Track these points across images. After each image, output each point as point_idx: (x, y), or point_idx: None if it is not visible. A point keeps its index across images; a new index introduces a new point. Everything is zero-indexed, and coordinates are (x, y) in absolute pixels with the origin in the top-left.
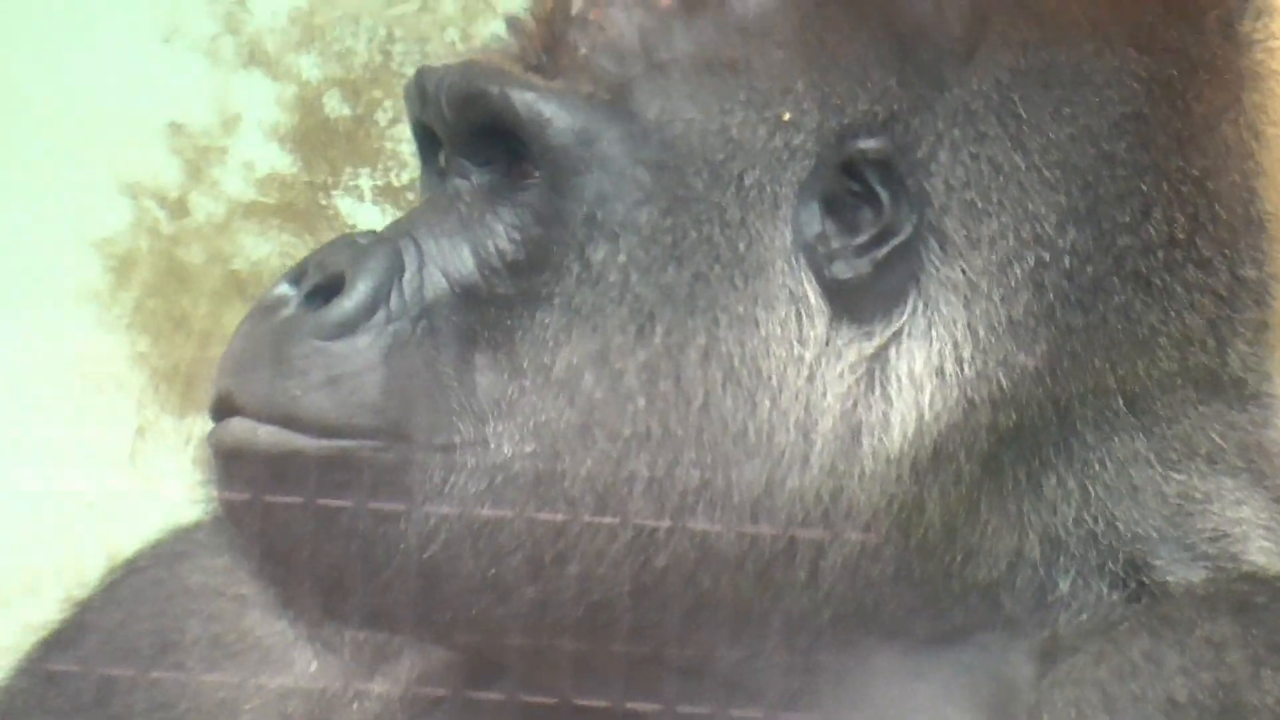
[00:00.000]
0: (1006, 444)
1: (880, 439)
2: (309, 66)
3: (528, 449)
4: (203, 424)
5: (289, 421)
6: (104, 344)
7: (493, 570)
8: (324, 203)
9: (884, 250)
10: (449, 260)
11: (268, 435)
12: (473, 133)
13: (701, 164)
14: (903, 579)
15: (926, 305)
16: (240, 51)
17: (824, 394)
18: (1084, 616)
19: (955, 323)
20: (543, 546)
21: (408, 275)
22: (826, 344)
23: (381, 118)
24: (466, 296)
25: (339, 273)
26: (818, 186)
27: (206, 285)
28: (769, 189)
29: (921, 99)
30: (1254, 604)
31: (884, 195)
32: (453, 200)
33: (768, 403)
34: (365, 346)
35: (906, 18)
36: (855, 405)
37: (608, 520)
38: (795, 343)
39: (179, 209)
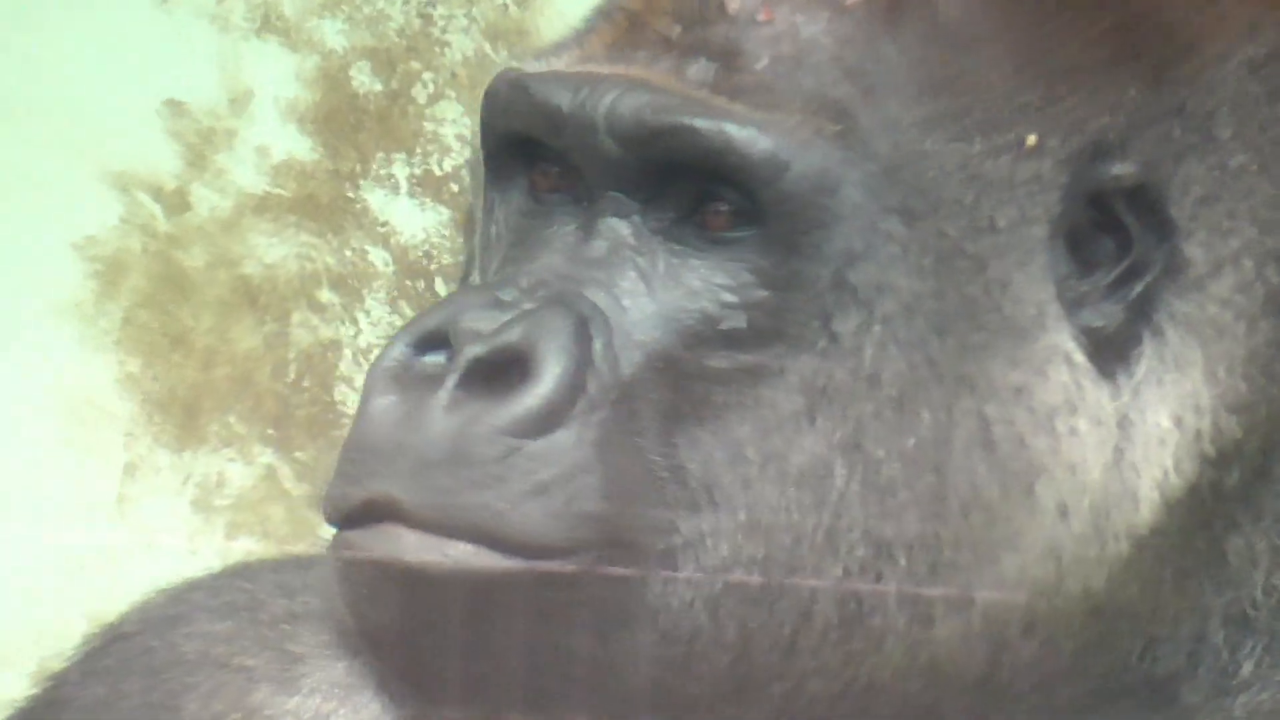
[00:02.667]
0: (1213, 505)
1: (1130, 517)
2: (333, 34)
3: (755, 549)
4: (205, 461)
5: (492, 540)
6: (87, 364)
7: (725, 685)
8: (351, 195)
9: (1135, 289)
10: (640, 327)
11: (463, 555)
12: (654, 170)
13: (953, 208)
14: (1078, 675)
15: (1165, 346)
16: (251, 16)
17: (1089, 470)
18: (1264, 696)
19: (1195, 365)
20: (773, 659)
21: (598, 348)
22: (1094, 412)
23: (420, 93)
24: (668, 371)
25: (511, 346)
26: (1065, 222)
27: (210, 294)
28: (1023, 231)
29: (1161, 105)
30: None
31: (1133, 225)
32: (614, 248)
33: (1038, 489)
34: (572, 444)
35: (1135, 8)
36: (1109, 480)
37: (846, 632)
38: (1069, 415)
39: (177, 203)
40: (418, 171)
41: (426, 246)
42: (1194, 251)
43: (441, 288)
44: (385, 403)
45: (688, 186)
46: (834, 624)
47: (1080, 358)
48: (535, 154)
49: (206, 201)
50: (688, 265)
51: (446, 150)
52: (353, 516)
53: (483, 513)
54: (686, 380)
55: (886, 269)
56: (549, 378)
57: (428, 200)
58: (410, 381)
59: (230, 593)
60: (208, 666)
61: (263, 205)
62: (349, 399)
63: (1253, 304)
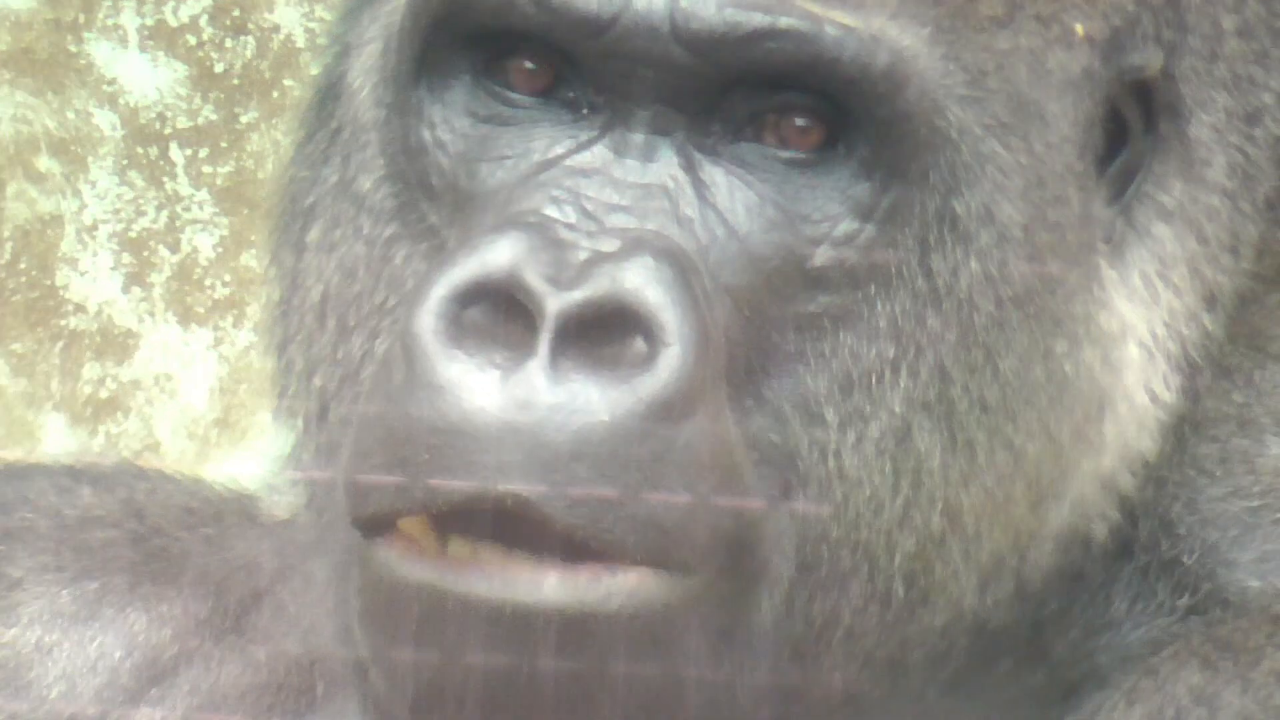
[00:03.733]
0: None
1: (1140, 447)
2: None
3: (838, 516)
4: None
5: (661, 560)
6: None
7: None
8: (74, 49)
9: (1129, 189)
10: (725, 269)
11: (633, 584)
12: (717, 80)
13: (1034, 119)
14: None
15: (1156, 247)
16: None
17: (1133, 399)
18: (1133, 636)
19: (1181, 262)
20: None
21: (701, 299)
22: (1132, 334)
23: None
24: (754, 320)
25: (613, 299)
26: (1098, 119)
27: None
28: (1082, 136)
29: None
30: None
31: (1133, 117)
32: (667, 170)
33: (1105, 428)
34: (710, 427)
35: None
36: (1131, 407)
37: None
38: (1122, 343)
39: None
40: (149, 21)
41: (160, 108)
42: (1199, 134)
43: (177, 153)
44: (453, 369)
45: (748, 100)
46: (908, 584)
47: (1113, 274)
48: (500, 46)
49: None
50: (757, 192)
51: None
52: (453, 515)
53: (650, 529)
54: (770, 330)
55: (988, 196)
56: (682, 345)
57: (161, 54)
58: (474, 341)
59: None
60: None
61: None
62: (71, 283)
63: (1235, 185)
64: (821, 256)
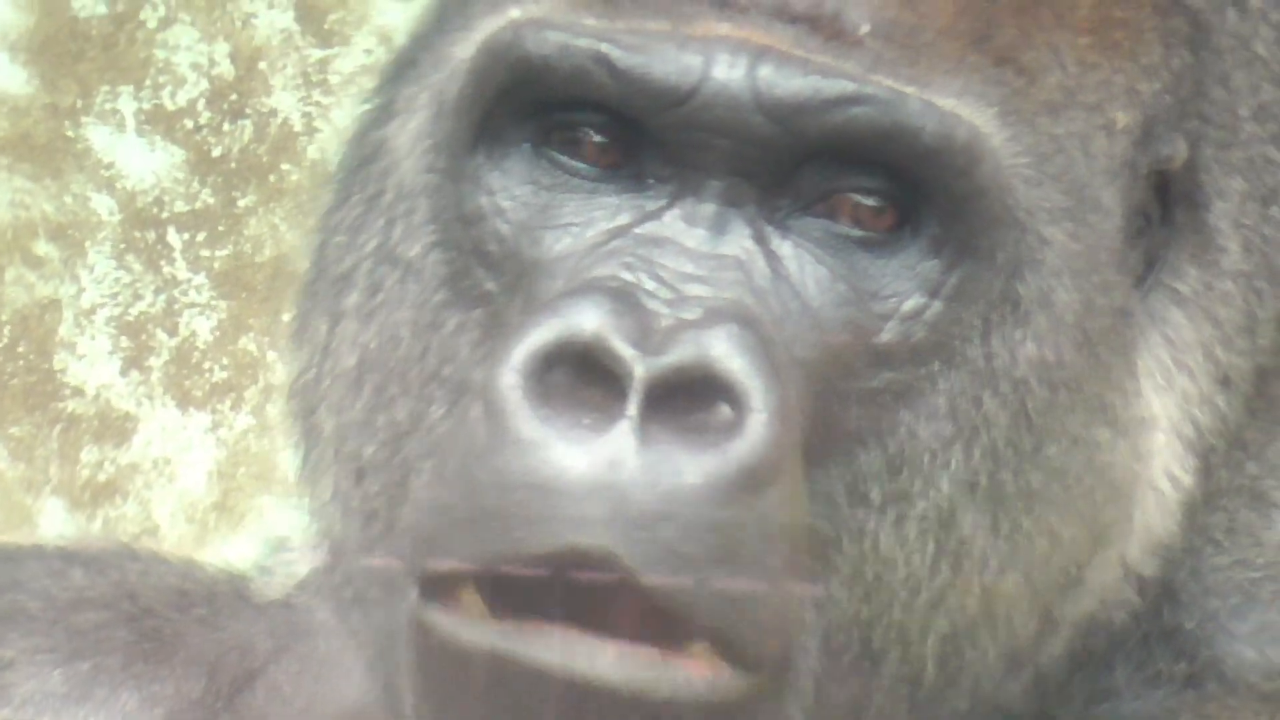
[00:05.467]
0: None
1: (1156, 534)
2: None
3: (873, 603)
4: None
5: (728, 644)
6: None
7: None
8: (71, 134)
9: (1149, 276)
10: (798, 342)
11: (704, 675)
12: (795, 154)
13: (1089, 203)
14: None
15: (1170, 333)
16: None
17: (1158, 487)
18: (1130, 708)
19: (1196, 348)
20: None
21: (780, 369)
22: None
23: (149, 17)
24: (825, 394)
25: (700, 366)
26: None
27: None
28: (1122, 224)
29: (1192, 81)
30: None
31: (1152, 206)
32: (738, 242)
33: (1135, 515)
34: (793, 502)
35: None
36: (1152, 496)
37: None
38: (1148, 430)
39: None
40: (147, 106)
41: (157, 191)
42: (1215, 221)
43: (174, 237)
44: (541, 427)
45: (819, 175)
46: (939, 667)
47: (1139, 361)
48: (565, 115)
49: None
50: (828, 267)
51: (180, 82)
52: (524, 580)
53: (727, 606)
54: (833, 406)
55: (1047, 280)
56: (769, 413)
57: (158, 138)
58: (560, 401)
59: None
60: None
61: None
62: (69, 367)
63: (1252, 266)
64: (888, 333)
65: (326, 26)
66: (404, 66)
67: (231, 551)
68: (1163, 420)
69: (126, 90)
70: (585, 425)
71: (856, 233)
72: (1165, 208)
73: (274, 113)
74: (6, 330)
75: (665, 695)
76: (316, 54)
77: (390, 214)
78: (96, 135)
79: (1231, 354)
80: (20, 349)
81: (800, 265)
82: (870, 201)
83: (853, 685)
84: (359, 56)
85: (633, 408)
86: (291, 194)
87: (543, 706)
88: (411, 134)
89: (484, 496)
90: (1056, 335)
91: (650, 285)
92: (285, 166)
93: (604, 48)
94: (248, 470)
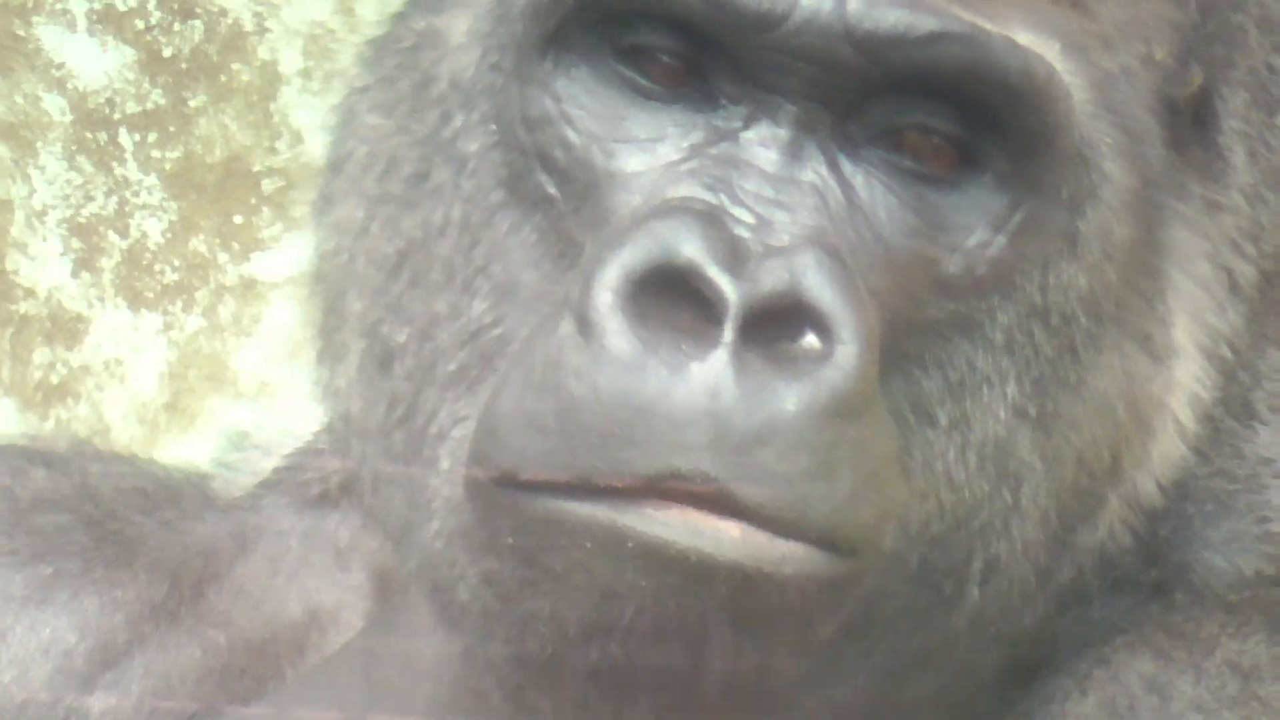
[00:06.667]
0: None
1: (1163, 470)
2: None
3: (941, 520)
4: None
5: (831, 542)
6: None
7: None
8: (21, 34)
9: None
10: (873, 271)
11: (800, 556)
12: (882, 87)
13: (1140, 136)
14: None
15: (1185, 263)
16: None
17: (1180, 416)
18: (1097, 615)
19: (1206, 275)
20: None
21: (864, 297)
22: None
23: None
24: (894, 324)
25: (790, 296)
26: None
27: None
28: (1164, 155)
29: (1210, 17)
30: None
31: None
32: (815, 169)
33: (1152, 444)
34: (876, 425)
35: None
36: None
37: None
38: (1176, 358)
39: None
40: (97, 6)
41: (108, 92)
42: (1221, 138)
43: (126, 138)
44: (642, 349)
45: (892, 106)
46: (981, 589)
47: (1171, 287)
48: (640, 28)
49: None
50: (897, 196)
51: None
52: (633, 489)
53: (823, 508)
54: (898, 334)
55: (1104, 215)
56: (857, 342)
57: (109, 39)
58: (657, 323)
59: None
60: None
61: None
62: (21, 268)
63: (1256, 176)
64: (953, 265)
65: None
66: None
67: (182, 453)
68: (1188, 344)
69: None
70: (683, 351)
71: (919, 169)
72: (1174, 129)
73: (224, 12)
74: None
75: (786, 574)
76: None
77: (444, 105)
78: (47, 34)
79: (1240, 260)
80: None
81: (871, 194)
82: (935, 140)
83: (904, 598)
84: None
85: (729, 335)
86: (242, 94)
87: (660, 582)
88: (469, 27)
89: (581, 413)
90: (1107, 270)
91: (732, 208)
92: (236, 66)
93: None
94: (199, 371)
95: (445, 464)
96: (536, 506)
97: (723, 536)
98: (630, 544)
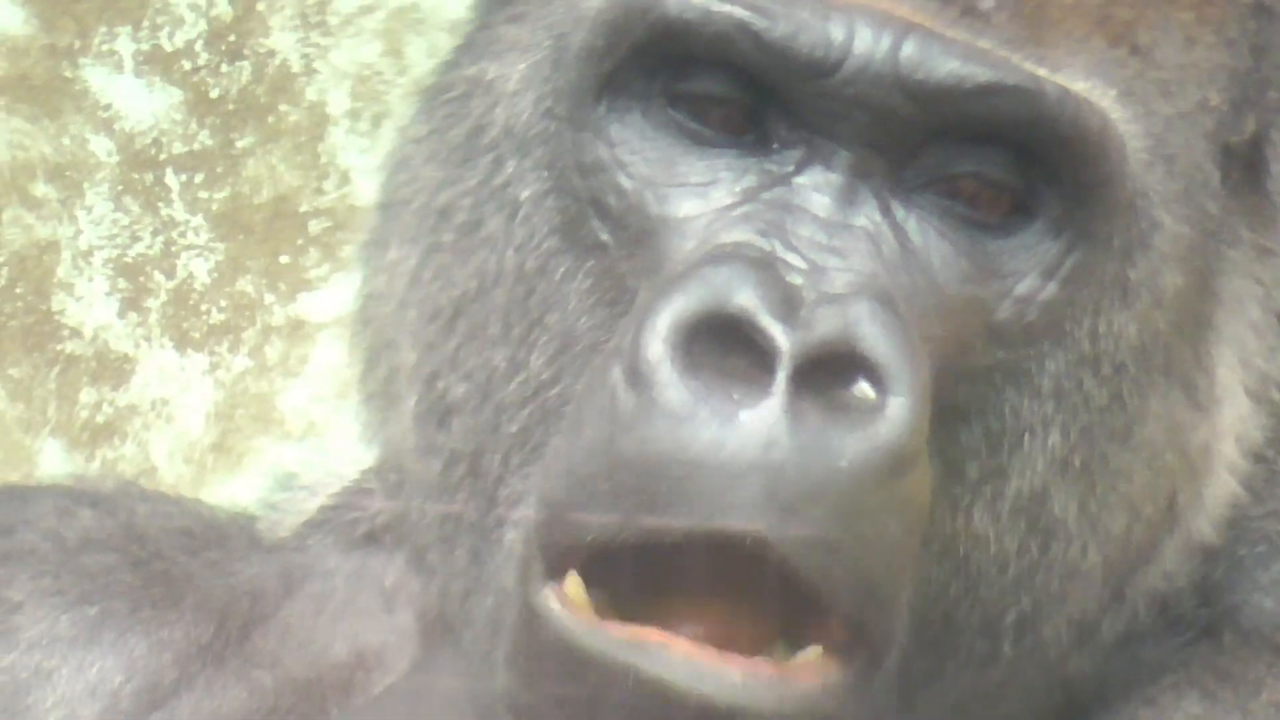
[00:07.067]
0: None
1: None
2: None
3: (959, 580)
4: None
5: (858, 638)
6: None
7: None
8: (69, 75)
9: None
10: (926, 318)
11: (820, 681)
12: (936, 133)
13: (1194, 189)
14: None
15: (1235, 310)
16: None
17: (1228, 464)
18: (1147, 654)
19: (1251, 323)
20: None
21: (918, 347)
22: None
23: None
24: (946, 372)
25: (844, 344)
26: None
27: None
28: (1221, 204)
29: (1263, 66)
30: None
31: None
32: (868, 216)
33: (1205, 494)
34: (925, 484)
35: None
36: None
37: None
38: (1223, 407)
39: None
40: (145, 47)
41: (155, 133)
42: (1271, 184)
43: (172, 179)
44: (693, 400)
45: (945, 152)
46: (1015, 643)
47: (1218, 336)
48: (689, 77)
49: None
50: (951, 242)
51: (178, 22)
52: (659, 561)
53: (864, 589)
54: (947, 382)
55: (1156, 264)
56: (910, 395)
57: (156, 80)
58: (709, 372)
59: None
60: None
61: None
62: (67, 308)
63: None
64: (1004, 311)
65: None
66: (497, 3)
67: (229, 493)
68: (1235, 389)
69: (125, 31)
70: (734, 400)
71: (975, 214)
72: (1228, 175)
73: (272, 53)
74: (5, 271)
75: (786, 712)
76: None
77: (497, 152)
78: (94, 76)
79: None
80: (18, 290)
81: (925, 240)
82: (991, 186)
83: (932, 660)
84: None
85: (781, 385)
86: (289, 135)
87: (658, 718)
88: (523, 74)
89: (631, 468)
90: (1156, 318)
91: (785, 254)
92: (283, 108)
93: (748, 16)
94: (245, 411)
95: (509, 539)
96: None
97: (723, 679)
98: (634, 681)
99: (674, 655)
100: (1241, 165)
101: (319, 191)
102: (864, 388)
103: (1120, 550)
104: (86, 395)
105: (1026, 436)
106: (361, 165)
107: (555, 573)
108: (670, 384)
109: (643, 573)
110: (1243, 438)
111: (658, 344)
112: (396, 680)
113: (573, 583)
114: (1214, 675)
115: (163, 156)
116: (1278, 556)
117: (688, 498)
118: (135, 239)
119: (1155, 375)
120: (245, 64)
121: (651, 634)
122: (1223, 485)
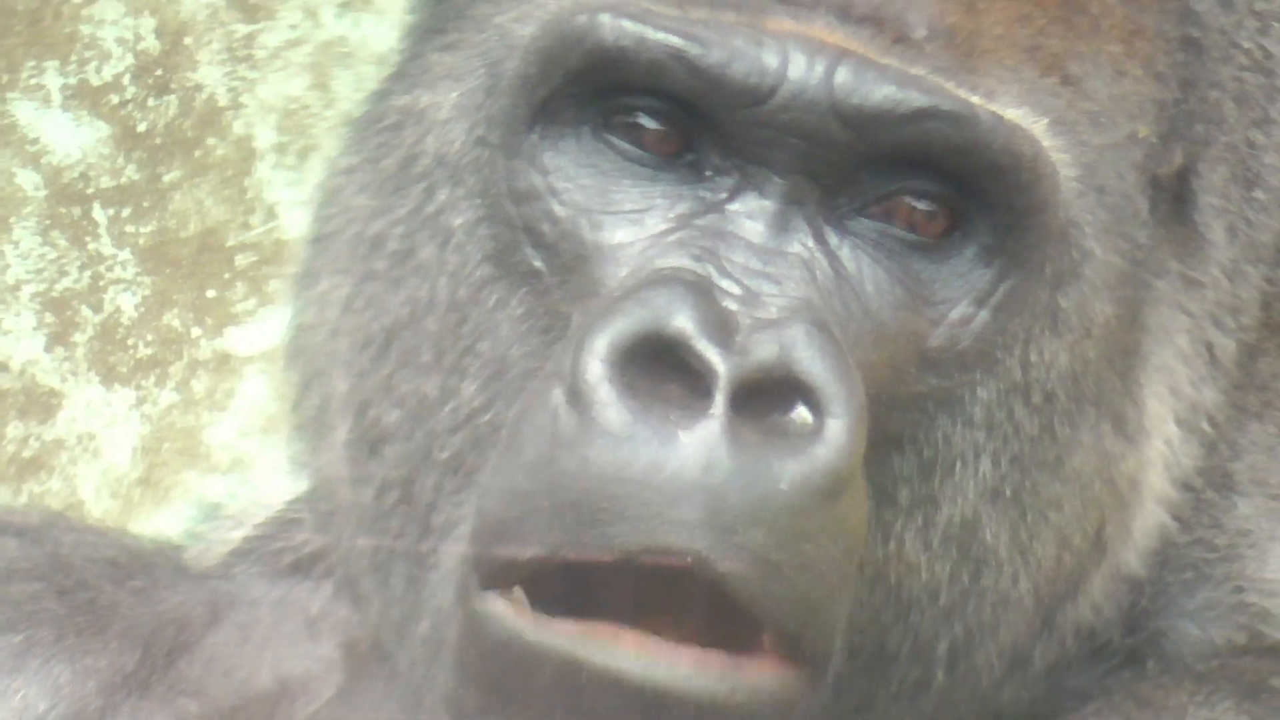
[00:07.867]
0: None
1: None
2: None
3: (892, 610)
4: None
5: (797, 650)
6: None
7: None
8: None
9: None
10: (860, 344)
11: (767, 678)
12: (868, 160)
13: (1124, 216)
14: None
15: (1163, 339)
16: None
17: (1157, 494)
18: (1074, 682)
19: (1183, 350)
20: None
21: (852, 374)
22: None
23: None
24: (879, 399)
25: (781, 368)
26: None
27: None
28: (1149, 233)
29: (1189, 96)
30: (1269, 687)
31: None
32: (802, 241)
33: (1134, 525)
34: (861, 506)
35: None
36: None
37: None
38: (1151, 438)
39: None
40: (72, 81)
41: (83, 167)
42: (1200, 216)
43: (100, 213)
44: (633, 420)
45: (879, 178)
46: (948, 671)
47: (1147, 367)
48: (629, 103)
49: None
50: (884, 269)
51: (106, 57)
52: (596, 574)
53: (802, 609)
54: (880, 409)
55: (1085, 293)
56: (848, 417)
57: (84, 114)
58: (646, 394)
59: None
60: None
61: None
62: None
63: (1236, 251)
64: (937, 339)
65: (252, 1)
66: (429, 32)
67: (156, 527)
68: (1165, 419)
69: (52, 65)
70: (673, 421)
71: (910, 237)
72: (1156, 207)
73: (199, 87)
74: None
75: (738, 701)
76: (242, 29)
77: (430, 180)
78: (22, 110)
79: (1219, 334)
80: None
81: (859, 267)
82: (925, 206)
83: (865, 688)
84: (284, 31)
85: (720, 408)
86: (217, 169)
87: (610, 711)
88: (455, 102)
89: (571, 487)
90: (1087, 347)
91: (720, 280)
92: (210, 141)
93: (682, 44)
94: (172, 446)
95: (445, 563)
96: (486, 609)
97: (674, 665)
98: (586, 675)
99: (624, 647)
100: (1169, 197)
101: (246, 225)
102: (801, 411)
103: (1050, 579)
104: (13, 430)
105: (958, 464)
106: (288, 199)
107: (496, 585)
108: (610, 404)
109: (584, 586)
110: (1172, 466)
111: (597, 364)
112: (320, 708)
113: (516, 591)
114: (1136, 702)
115: (90, 190)
116: (1203, 583)
117: (628, 517)
118: (62, 273)
119: (1085, 405)
120: (172, 98)
121: (600, 629)
122: (1150, 517)
